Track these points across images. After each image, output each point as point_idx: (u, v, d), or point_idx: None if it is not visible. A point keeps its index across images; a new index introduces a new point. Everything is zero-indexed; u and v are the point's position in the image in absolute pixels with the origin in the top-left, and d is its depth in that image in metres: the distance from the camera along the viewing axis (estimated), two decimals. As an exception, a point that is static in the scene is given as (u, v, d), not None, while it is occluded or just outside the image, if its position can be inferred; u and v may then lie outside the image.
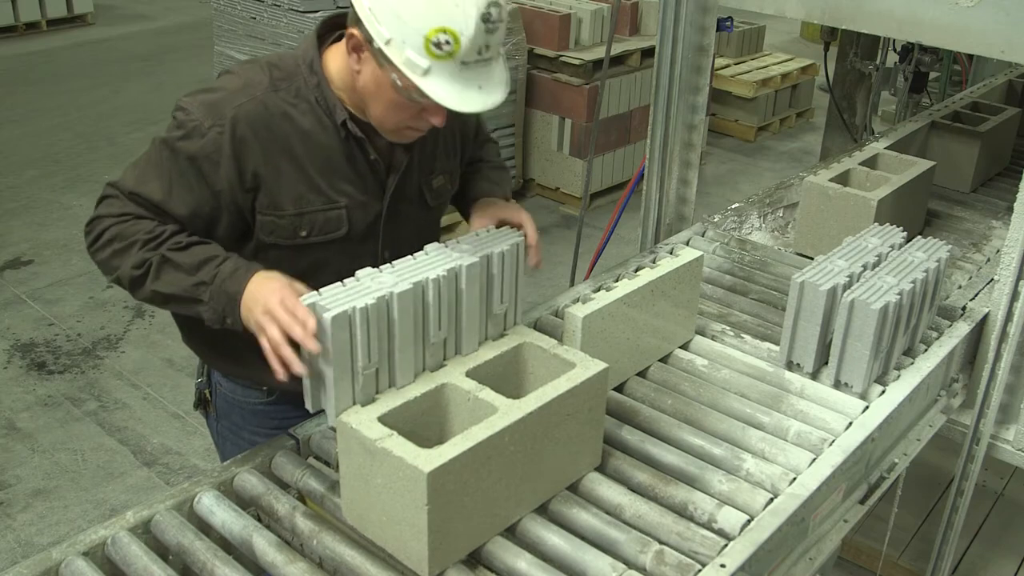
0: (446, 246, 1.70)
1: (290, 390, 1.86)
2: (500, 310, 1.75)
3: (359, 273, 1.58)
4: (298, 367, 1.51)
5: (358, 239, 1.84)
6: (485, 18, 1.55)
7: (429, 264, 1.64)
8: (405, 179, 1.87)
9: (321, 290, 1.52)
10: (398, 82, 1.60)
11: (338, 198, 1.78)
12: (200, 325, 1.91)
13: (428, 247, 1.70)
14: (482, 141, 2.14)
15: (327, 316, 1.47)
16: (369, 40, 1.59)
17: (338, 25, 1.78)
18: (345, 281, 1.56)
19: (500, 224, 1.85)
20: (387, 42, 1.56)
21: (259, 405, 2.00)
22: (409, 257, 1.66)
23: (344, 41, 1.68)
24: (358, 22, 1.60)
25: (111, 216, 1.71)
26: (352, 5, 1.62)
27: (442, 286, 1.62)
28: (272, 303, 1.54)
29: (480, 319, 1.72)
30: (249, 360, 1.88)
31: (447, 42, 1.53)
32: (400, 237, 1.90)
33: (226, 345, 1.90)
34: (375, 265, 1.82)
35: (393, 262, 1.64)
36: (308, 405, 1.59)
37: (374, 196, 1.83)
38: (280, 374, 1.52)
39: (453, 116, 1.70)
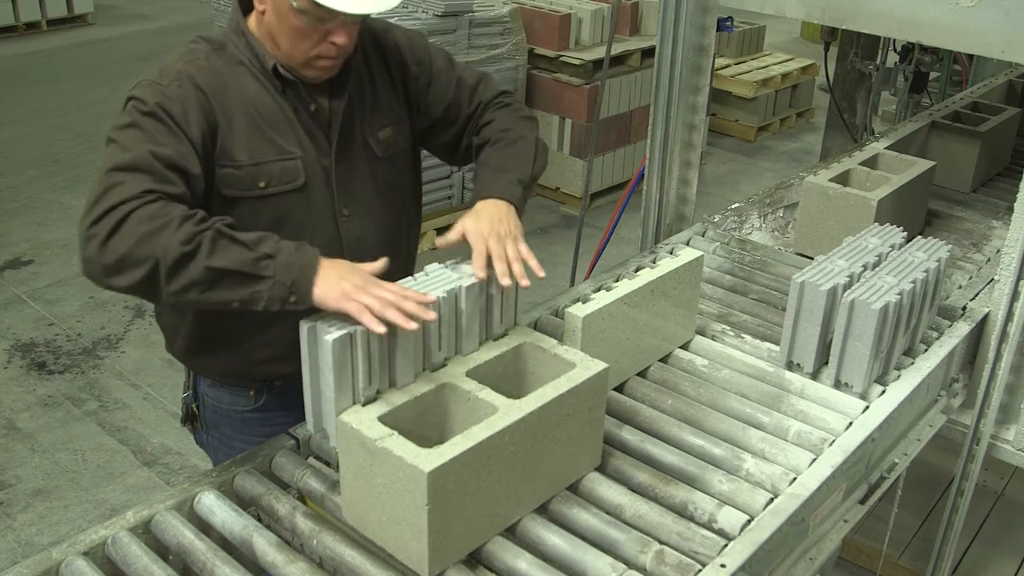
0: (445, 267, 1.71)
1: (277, 386, 1.92)
2: (500, 330, 1.77)
3: None
4: (430, 314, 1.52)
5: (315, 193, 1.83)
6: None
7: (429, 284, 1.65)
8: (348, 131, 1.86)
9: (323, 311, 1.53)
10: (293, 3, 1.65)
11: (291, 148, 1.79)
12: (184, 329, 1.91)
13: (428, 267, 1.71)
14: (480, 104, 2.01)
15: (328, 338, 1.48)
16: None
17: None
18: None
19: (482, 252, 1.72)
20: None
21: (248, 412, 1.99)
22: (409, 278, 1.67)
23: None
24: None
25: (132, 199, 1.53)
26: None
27: (442, 307, 1.62)
28: (366, 280, 1.54)
29: (480, 339, 1.73)
30: (235, 355, 1.91)
31: None
32: (356, 192, 1.88)
33: (211, 344, 1.91)
34: (335, 222, 1.85)
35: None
36: (310, 426, 1.61)
37: (323, 150, 1.83)
38: (381, 328, 1.48)
39: (394, 70, 1.82)
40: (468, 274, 1.68)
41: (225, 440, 2.05)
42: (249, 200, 1.76)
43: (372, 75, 1.92)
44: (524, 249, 1.72)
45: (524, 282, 1.68)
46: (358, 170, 1.88)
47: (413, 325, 1.49)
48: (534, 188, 1.95)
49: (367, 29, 1.93)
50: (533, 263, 1.71)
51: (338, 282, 1.52)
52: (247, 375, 1.97)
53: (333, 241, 1.86)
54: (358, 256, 1.82)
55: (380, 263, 1.62)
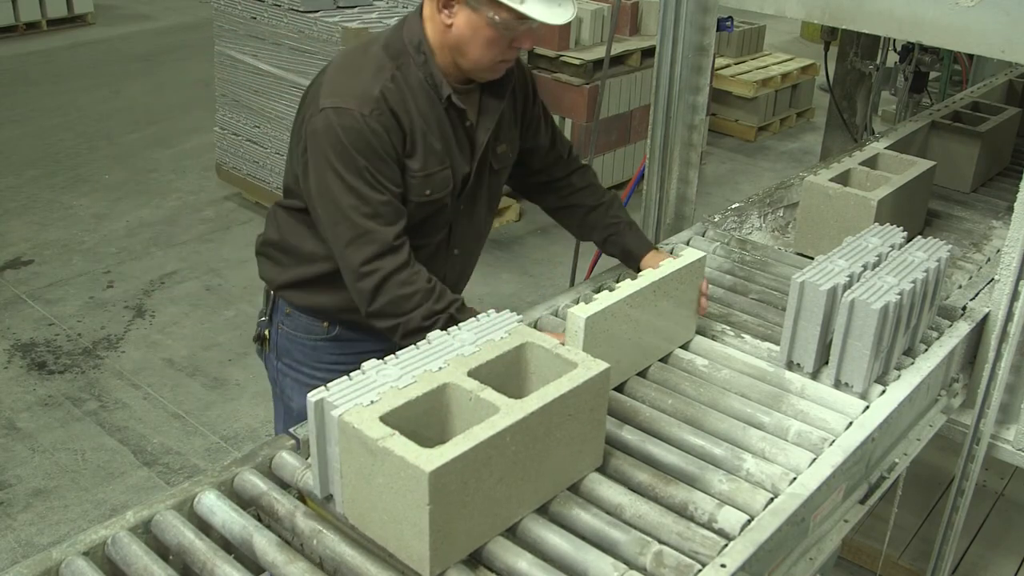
0: (447, 333, 1.72)
1: (348, 321, 2.19)
2: None
3: (365, 366, 1.60)
4: None
5: (453, 197, 2.11)
6: None
7: (432, 352, 1.66)
8: (486, 145, 2.12)
9: (328, 385, 1.54)
10: (495, 18, 1.88)
11: (447, 159, 2.06)
12: (284, 257, 2.22)
13: (430, 335, 1.72)
14: (577, 165, 2.41)
15: (334, 414, 1.49)
16: None
17: None
18: (351, 375, 1.57)
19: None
20: None
21: (319, 341, 2.23)
22: (413, 347, 1.68)
23: (431, 3, 1.95)
24: None
25: (387, 252, 1.94)
26: None
27: None
28: None
29: None
30: (330, 296, 2.16)
31: None
32: (475, 196, 2.19)
33: (313, 285, 2.16)
34: (456, 222, 2.18)
35: (397, 353, 1.66)
36: (317, 491, 1.61)
37: (466, 159, 2.11)
38: None
39: (519, 95, 2.18)
40: (469, 341, 1.70)
41: (295, 367, 2.28)
42: (413, 204, 2.03)
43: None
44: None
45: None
46: (481, 179, 2.17)
47: None
48: None
49: None
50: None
51: None
52: (329, 313, 2.20)
53: (444, 231, 2.18)
54: (460, 243, 2.23)
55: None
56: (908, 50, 4.36)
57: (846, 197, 2.63)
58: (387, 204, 1.96)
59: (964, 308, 2.39)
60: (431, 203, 2.06)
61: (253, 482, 1.69)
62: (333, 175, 1.94)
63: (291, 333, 2.25)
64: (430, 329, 1.86)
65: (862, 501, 1.95)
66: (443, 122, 2.03)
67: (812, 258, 2.19)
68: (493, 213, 2.34)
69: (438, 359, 1.64)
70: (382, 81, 1.96)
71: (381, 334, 2.17)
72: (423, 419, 1.59)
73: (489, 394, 1.57)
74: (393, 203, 1.97)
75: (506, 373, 1.72)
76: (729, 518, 1.61)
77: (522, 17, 1.88)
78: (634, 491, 1.69)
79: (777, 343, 2.15)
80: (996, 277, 2.27)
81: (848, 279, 2.03)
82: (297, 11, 5.23)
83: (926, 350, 2.20)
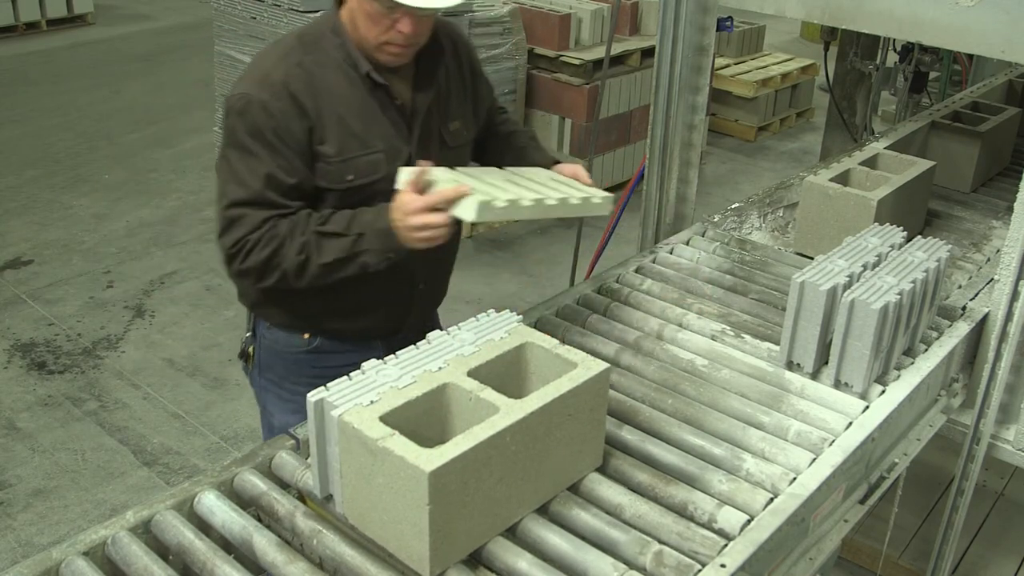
0: (447, 333, 1.72)
1: (328, 331, 2.19)
2: None
3: (364, 366, 1.60)
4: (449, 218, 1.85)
5: (394, 180, 2.02)
6: None
7: (432, 352, 1.66)
8: (427, 123, 2.08)
9: (328, 385, 1.54)
10: None
11: (375, 143, 2.00)
12: (256, 288, 2.14)
13: (431, 335, 1.71)
14: (501, 112, 2.42)
15: (334, 414, 1.49)
16: None
17: None
18: (351, 375, 1.57)
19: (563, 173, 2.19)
20: None
21: (300, 353, 2.20)
22: (412, 347, 1.68)
23: None
24: None
25: (255, 230, 1.91)
26: None
27: None
28: (411, 222, 1.84)
29: None
30: (296, 307, 2.15)
31: None
32: None
33: (276, 298, 2.13)
34: None
35: (397, 353, 1.65)
36: (317, 491, 1.61)
37: (404, 141, 2.05)
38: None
39: (465, 70, 2.15)
40: (469, 341, 1.69)
41: (277, 381, 2.25)
42: (337, 191, 1.99)
43: (449, 72, 2.15)
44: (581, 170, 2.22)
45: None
46: (432, 158, 2.08)
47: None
48: None
49: (453, 28, 2.19)
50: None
51: (408, 233, 1.87)
52: (303, 324, 2.18)
53: None
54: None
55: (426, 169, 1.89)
56: (908, 50, 4.36)
57: (846, 197, 2.63)
58: (271, 189, 1.93)
59: (964, 308, 2.39)
60: (359, 189, 2.00)
61: (253, 482, 1.69)
62: (224, 160, 1.97)
63: (273, 347, 2.23)
64: (307, 261, 1.91)
65: (862, 501, 1.95)
66: (367, 104, 1.99)
67: (812, 258, 2.19)
68: None
69: (438, 359, 1.64)
70: (286, 67, 1.94)
71: (362, 346, 2.13)
72: (423, 419, 1.59)
73: (489, 394, 1.57)
74: (278, 189, 1.94)
75: (506, 373, 1.72)
76: (729, 518, 1.61)
77: None
78: (634, 491, 1.69)
79: (777, 343, 2.15)
80: (996, 277, 2.27)
81: (848, 279, 2.03)
82: (297, 11, 5.23)
83: (926, 350, 2.20)
